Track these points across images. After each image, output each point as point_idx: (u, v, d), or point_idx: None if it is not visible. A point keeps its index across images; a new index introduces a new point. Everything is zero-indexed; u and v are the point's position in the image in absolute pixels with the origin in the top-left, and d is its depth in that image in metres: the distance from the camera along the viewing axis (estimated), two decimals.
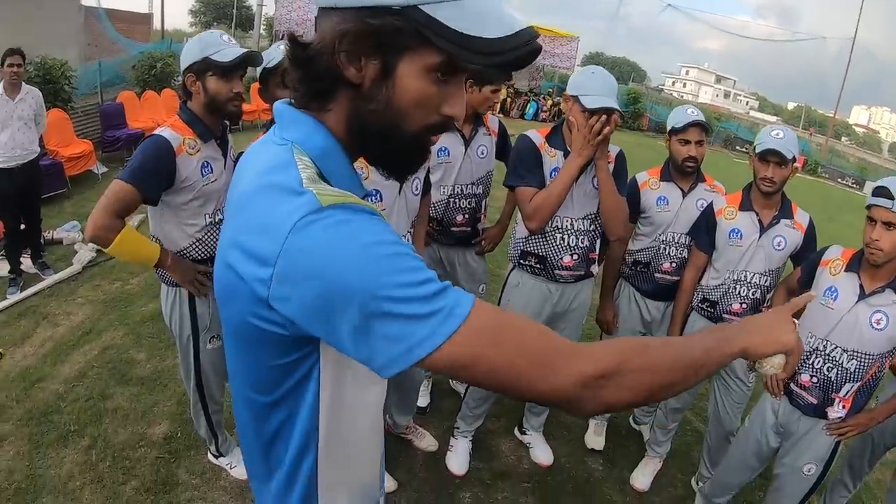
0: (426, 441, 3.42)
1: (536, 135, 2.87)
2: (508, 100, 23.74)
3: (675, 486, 3.62)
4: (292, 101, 0.96)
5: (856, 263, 2.51)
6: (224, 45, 2.33)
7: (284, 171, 0.85)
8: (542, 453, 3.51)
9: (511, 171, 2.92)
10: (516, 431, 3.66)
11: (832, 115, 47.69)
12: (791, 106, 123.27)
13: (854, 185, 27.58)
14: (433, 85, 0.87)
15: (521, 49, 0.83)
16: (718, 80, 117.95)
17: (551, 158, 2.81)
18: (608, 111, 2.59)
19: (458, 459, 3.34)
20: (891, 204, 2.29)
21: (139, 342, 4.20)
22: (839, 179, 29.71)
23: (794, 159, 2.83)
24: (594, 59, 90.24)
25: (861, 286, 2.46)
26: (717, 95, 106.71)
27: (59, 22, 11.62)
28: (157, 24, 24.76)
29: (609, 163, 2.81)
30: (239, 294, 0.84)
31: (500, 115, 22.64)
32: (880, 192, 2.34)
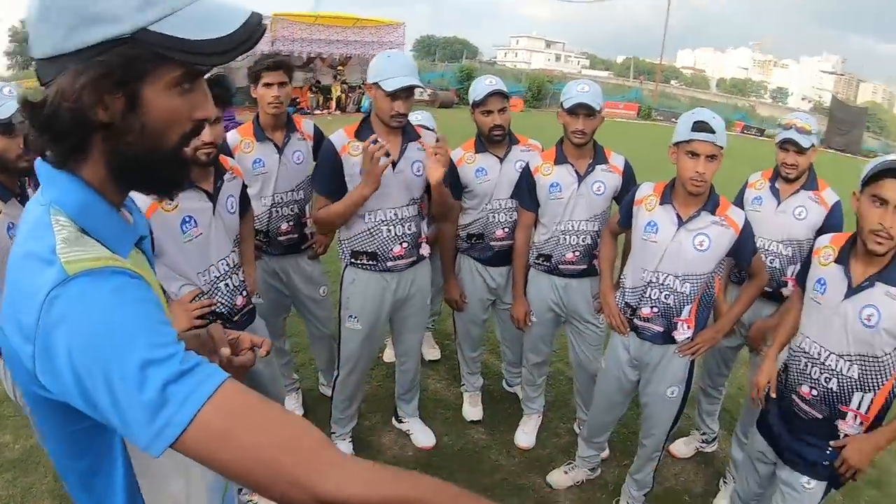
0: None
1: (341, 136, 2.85)
2: (343, 95, 23.62)
3: (560, 434, 3.75)
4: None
5: (668, 195, 2.64)
6: (3, 100, 2.18)
7: (40, 237, 0.83)
8: (422, 436, 3.54)
9: (313, 176, 2.99)
10: (393, 421, 3.67)
11: (659, 62, 50.74)
12: (620, 59, 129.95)
13: None
14: (179, 97, 0.88)
15: (253, 37, 0.87)
16: (548, 44, 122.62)
17: (354, 157, 2.79)
18: (410, 88, 2.66)
19: None
20: (713, 137, 2.42)
21: (1, 424, 3.85)
22: (673, 119, 31.60)
23: (600, 110, 2.95)
24: (425, 41, 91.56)
25: (678, 214, 2.60)
26: (549, 60, 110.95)
27: None
28: None
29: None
30: (17, 364, 0.82)
31: (337, 112, 22.46)
32: (701, 126, 2.43)
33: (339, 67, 24.39)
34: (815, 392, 2.33)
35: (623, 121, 30.16)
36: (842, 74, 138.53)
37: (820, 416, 2.28)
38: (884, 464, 3.80)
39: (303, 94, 23.09)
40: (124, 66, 0.81)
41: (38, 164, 0.90)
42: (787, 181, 3.11)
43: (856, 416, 2.22)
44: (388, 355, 4.26)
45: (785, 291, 3.08)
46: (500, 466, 3.44)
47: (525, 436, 3.65)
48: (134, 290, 0.81)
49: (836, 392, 2.29)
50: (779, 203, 3.12)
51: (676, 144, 2.52)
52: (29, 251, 0.83)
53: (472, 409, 3.84)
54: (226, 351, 1.23)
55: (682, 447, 3.70)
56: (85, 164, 0.89)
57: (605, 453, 3.44)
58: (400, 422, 3.63)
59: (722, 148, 2.48)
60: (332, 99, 23.49)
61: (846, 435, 2.23)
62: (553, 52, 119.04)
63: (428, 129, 3.80)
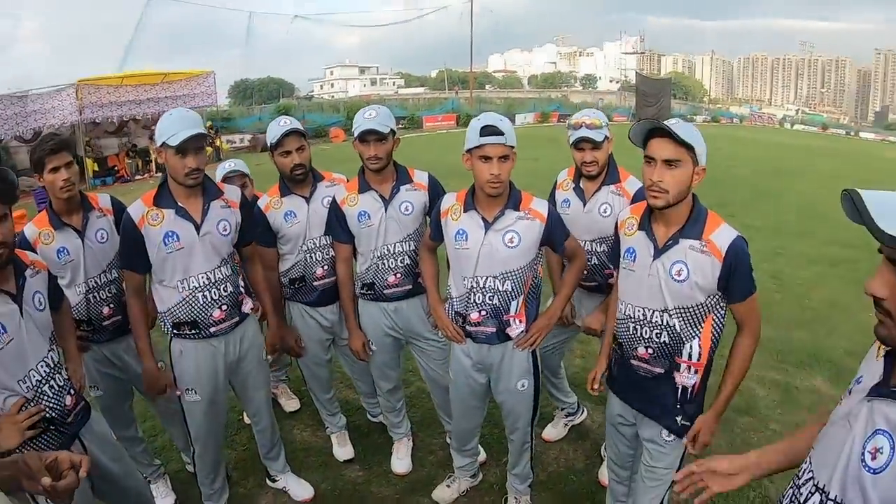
0: None
1: (138, 206, 2.77)
2: (129, 161, 22.27)
3: (434, 451, 3.84)
4: None
5: (471, 201, 2.73)
6: None
7: None
8: (300, 490, 3.51)
9: (119, 254, 2.92)
10: (267, 482, 3.59)
11: (470, 70, 52.56)
12: (434, 73, 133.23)
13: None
14: None
15: None
16: (362, 70, 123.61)
17: (155, 227, 2.73)
18: (198, 140, 2.65)
19: None
20: (503, 139, 2.52)
21: None
22: None
23: (392, 132, 3.02)
24: (240, 85, 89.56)
25: (483, 218, 2.69)
26: (365, 85, 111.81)
27: None
28: None
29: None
30: None
31: (158, 174, 21.30)
32: (489, 130, 2.51)
33: (153, 127, 23.18)
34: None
35: (444, 132, 30.98)
36: (642, 52, 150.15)
37: (661, 371, 2.43)
38: (748, 390, 4.16)
39: (120, 161, 21.86)
40: None
41: None
42: (590, 179, 3.20)
43: (689, 366, 2.39)
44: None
45: (612, 282, 3.12)
46: (384, 498, 3.47)
47: (400, 461, 3.70)
48: None
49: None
50: (585, 203, 3.23)
51: (469, 151, 2.59)
52: None
53: (342, 449, 3.84)
54: (46, 480, 1.20)
55: (552, 430, 3.86)
56: None
57: (482, 457, 3.55)
58: (273, 481, 3.56)
59: (513, 148, 2.58)
60: (150, 161, 22.39)
61: (684, 387, 2.41)
62: (368, 77, 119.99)
63: (245, 174, 3.78)
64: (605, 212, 3.17)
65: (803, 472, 1.46)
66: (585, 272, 3.05)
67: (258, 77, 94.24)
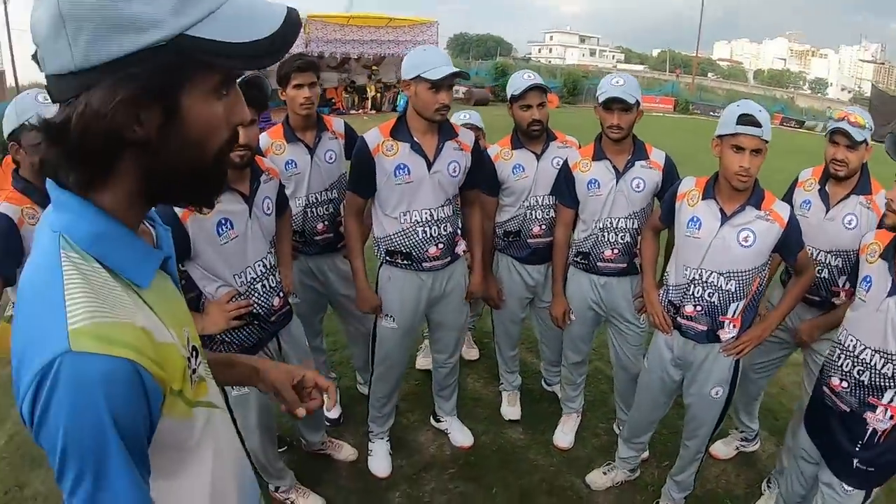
0: (345, 451, 3.37)
1: (375, 134, 2.83)
2: (378, 94, 23.70)
3: (598, 435, 3.70)
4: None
5: (711, 190, 2.56)
6: (39, 107, 2.17)
7: (48, 278, 0.78)
8: (460, 436, 3.52)
9: (348, 174, 2.98)
10: (431, 420, 3.66)
11: (695, 55, 50.03)
12: (656, 52, 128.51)
13: None
14: (218, 103, 0.84)
15: (293, 36, 0.83)
16: (583, 40, 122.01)
17: (389, 158, 2.78)
18: (458, 75, 2.65)
19: (379, 462, 3.30)
20: (760, 132, 2.34)
21: None
22: (711, 113, 31.16)
23: (637, 104, 2.87)
24: (459, 39, 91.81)
25: (721, 210, 2.52)
26: (584, 55, 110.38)
27: None
28: (10, 80, 23.21)
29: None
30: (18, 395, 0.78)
31: (373, 112, 22.52)
32: (747, 119, 2.35)
33: (374, 67, 24.48)
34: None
35: (660, 115, 29.80)
36: (882, 63, 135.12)
37: (848, 410, 2.27)
38: None
39: (338, 95, 23.32)
40: (162, 75, 0.75)
41: (50, 186, 0.84)
42: (838, 181, 2.88)
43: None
44: (421, 363, 4.24)
45: (837, 302, 2.93)
46: (538, 466, 3.41)
47: (564, 435, 3.61)
48: (124, 396, 0.75)
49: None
50: (828, 209, 2.93)
51: (720, 137, 2.44)
52: (37, 292, 0.79)
53: (511, 409, 3.80)
54: (301, 411, 1.30)
55: (723, 448, 3.61)
56: (105, 186, 0.83)
57: (646, 454, 3.38)
58: (438, 421, 3.61)
59: (767, 142, 2.39)
60: (367, 99, 23.66)
61: (874, 430, 2.21)
62: (587, 47, 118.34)
63: (478, 128, 3.74)
64: (849, 223, 2.86)
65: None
66: (812, 285, 2.83)
67: (477, 33, 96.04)
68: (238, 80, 0.90)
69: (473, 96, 26.90)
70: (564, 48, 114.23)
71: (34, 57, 0.78)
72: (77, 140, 0.74)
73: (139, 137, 0.77)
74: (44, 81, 0.79)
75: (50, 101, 0.78)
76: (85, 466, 0.74)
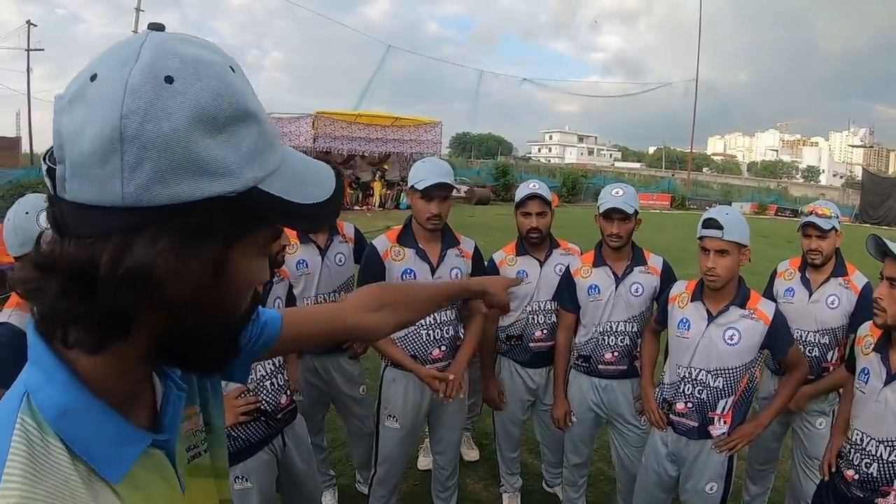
0: None
1: (383, 241, 2.97)
2: (383, 191, 24.15)
3: None
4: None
5: (699, 292, 2.74)
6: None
7: None
8: None
9: (358, 279, 3.09)
10: None
11: (689, 151, 51.36)
12: (652, 150, 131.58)
13: None
14: (262, 261, 0.75)
15: (338, 198, 0.76)
16: (581, 139, 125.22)
17: (397, 263, 2.91)
18: (444, 190, 2.80)
19: None
20: (720, 233, 2.52)
21: None
22: (707, 207, 31.53)
23: (635, 213, 3.04)
24: (461, 138, 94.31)
25: (707, 310, 2.67)
26: (582, 154, 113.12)
27: None
28: (25, 147, 23.56)
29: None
30: None
31: (379, 209, 22.89)
32: (709, 223, 2.56)
33: (381, 165, 25.11)
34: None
35: (657, 211, 30.25)
36: (871, 146, 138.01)
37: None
38: None
39: (343, 191, 23.73)
40: (224, 229, 0.64)
41: (30, 331, 0.68)
42: (816, 268, 3.16)
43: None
44: (423, 463, 4.20)
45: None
46: None
47: None
48: None
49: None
50: (811, 294, 3.17)
51: (698, 240, 2.64)
52: None
53: None
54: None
55: None
56: (111, 349, 0.66)
57: None
58: None
59: (738, 244, 2.57)
60: (371, 195, 24.06)
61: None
62: (585, 146, 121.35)
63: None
64: (832, 303, 3.11)
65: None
66: (804, 380, 2.92)
67: (478, 132, 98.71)
68: None
69: (475, 195, 27.38)
70: (563, 147, 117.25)
71: (49, 173, 0.63)
72: (106, 295, 0.60)
73: (179, 298, 0.62)
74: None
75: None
76: None
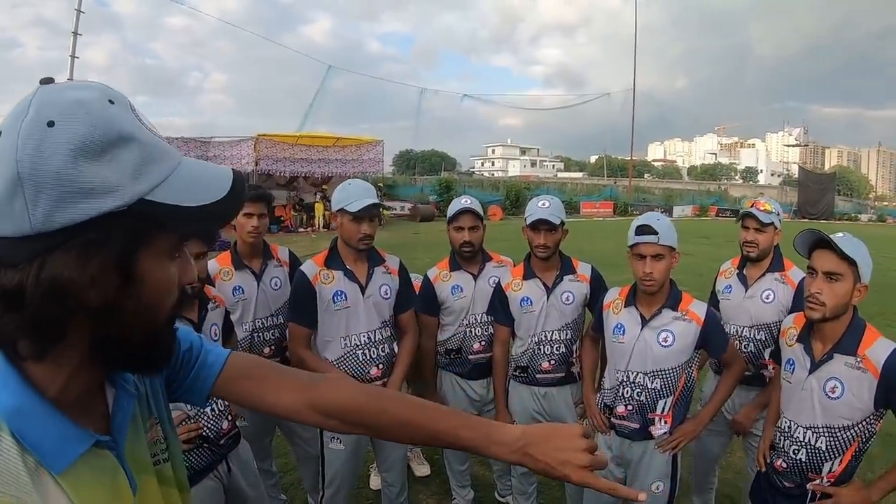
0: None
1: (311, 266, 3.00)
2: (326, 212, 23.96)
3: None
4: None
5: (632, 297, 2.82)
6: None
7: None
8: None
9: (289, 307, 3.11)
10: None
11: (630, 158, 52.38)
12: (593, 159, 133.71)
13: (664, 213, 29.96)
14: (172, 264, 0.83)
15: (242, 197, 0.86)
16: (523, 151, 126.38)
17: (327, 286, 2.94)
18: (374, 206, 2.87)
19: None
20: (656, 238, 2.60)
21: None
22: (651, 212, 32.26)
23: (562, 223, 3.12)
24: (404, 156, 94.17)
25: (641, 315, 2.76)
26: (525, 166, 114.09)
27: None
28: None
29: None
30: None
31: (323, 230, 22.68)
32: (643, 230, 2.62)
33: (323, 186, 24.93)
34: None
35: (600, 219, 30.77)
36: (805, 145, 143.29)
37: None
38: None
39: (287, 213, 23.53)
40: (122, 240, 0.74)
41: None
42: (753, 263, 3.22)
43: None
44: (375, 482, 4.20)
45: (765, 373, 3.16)
46: None
47: None
48: None
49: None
50: (747, 289, 3.23)
51: (629, 248, 2.70)
52: None
53: None
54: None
55: None
56: (52, 355, 0.77)
57: None
58: None
59: (671, 248, 2.65)
60: (314, 217, 23.90)
61: (812, 492, 2.35)
62: (528, 158, 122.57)
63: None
64: (767, 298, 3.17)
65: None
66: (741, 376, 3.01)
67: (422, 149, 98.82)
68: None
69: (419, 212, 27.47)
70: (506, 161, 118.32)
71: None
72: (33, 308, 0.71)
73: (96, 303, 0.73)
74: None
75: None
76: None
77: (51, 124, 0.70)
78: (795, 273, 3.14)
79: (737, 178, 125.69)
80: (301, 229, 23.11)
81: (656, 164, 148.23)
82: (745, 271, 3.29)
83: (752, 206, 3.20)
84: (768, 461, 2.55)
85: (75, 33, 27.56)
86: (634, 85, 46.93)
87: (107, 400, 0.91)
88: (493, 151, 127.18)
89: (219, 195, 0.81)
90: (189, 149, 20.49)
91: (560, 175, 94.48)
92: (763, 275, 3.21)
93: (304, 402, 1.13)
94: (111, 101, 0.75)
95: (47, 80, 0.77)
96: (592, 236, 20.66)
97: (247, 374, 1.15)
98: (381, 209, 2.91)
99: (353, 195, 2.87)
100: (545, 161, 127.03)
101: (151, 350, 0.86)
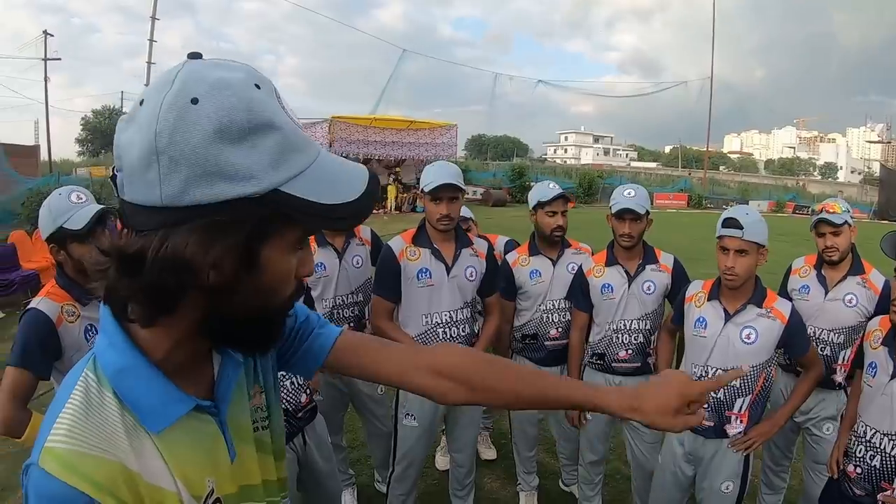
0: None
1: (399, 241, 3.05)
2: (398, 195, 24.25)
3: None
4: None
5: (716, 291, 2.74)
6: (74, 209, 2.24)
7: (63, 392, 0.81)
8: None
9: (374, 280, 3.16)
10: None
11: (706, 149, 50.91)
12: (668, 149, 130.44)
13: None
14: (294, 257, 0.84)
15: (368, 199, 0.83)
16: (596, 139, 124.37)
17: (412, 262, 2.99)
18: (453, 192, 2.89)
19: None
20: (740, 233, 2.53)
21: None
22: (724, 206, 31.31)
23: (647, 213, 3.07)
24: (476, 140, 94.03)
25: (724, 309, 2.68)
26: (598, 154, 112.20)
27: None
28: (44, 156, 24.12)
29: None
30: None
31: (396, 212, 22.95)
32: (729, 223, 2.57)
33: (396, 168, 25.20)
34: (859, 471, 2.46)
35: (674, 211, 30.03)
36: (889, 142, 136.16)
37: (863, 494, 2.38)
38: None
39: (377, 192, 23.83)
40: (250, 227, 0.74)
41: (103, 311, 0.84)
42: (832, 266, 3.14)
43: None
44: (441, 462, 4.26)
45: (837, 378, 3.10)
46: None
47: None
48: None
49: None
50: (827, 291, 3.15)
51: (717, 239, 2.64)
52: (56, 400, 0.81)
53: None
54: None
55: None
56: (161, 323, 0.79)
57: None
58: None
59: (757, 244, 2.57)
60: (387, 199, 24.17)
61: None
62: (601, 147, 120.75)
63: (469, 218, 3.92)
64: (850, 301, 3.08)
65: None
66: (820, 380, 2.91)
67: (494, 134, 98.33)
68: None
69: (492, 197, 27.39)
70: (579, 148, 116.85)
71: (112, 179, 0.78)
72: (151, 277, 0.72)
73: (213, 282, 0.74)
74: (73, 159, 0.80)
75: (83, 200, 0.78)
76: None
77: (195, 101, 0.71)
78: (876, 277, 3.09)
79: (815, 173, 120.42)
80: (374, 211, 23.29)
81: (732, 156, 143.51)
82: (823, 272, 3.20)
83: (821, 210, 3.13)
84: (841, 468, 2.48)
85: (153, 17, 28.60)
86: (712, 73, 45.47)
87: (213, 367, 0.94)
88: (566, 138, 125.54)
89: (353, 195, 0.80)
90: None
91: (633, 164, 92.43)
92: (844, 278, 3.12)
93: (416, 364, 1.15)
94: (257, 86, 0.76)
95: (195, 56, 0.78)
96: (666, 229, 20.19)
97: (357, 346, 1.17)
98: (460, 190, 2.92)
99: (431, 176, 2.91)
100: (618, 150, 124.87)
101: (259, 334, 0.87)
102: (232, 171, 0.71)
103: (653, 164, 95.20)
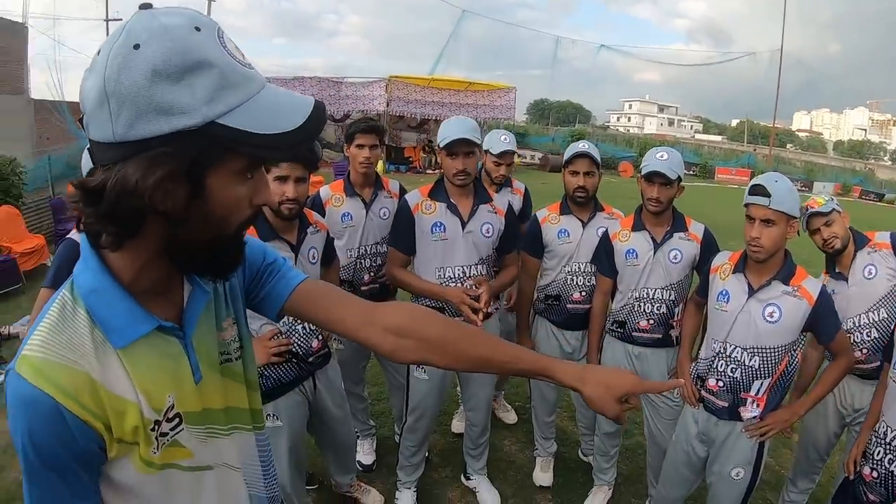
0: (372, 497, 3.42)
1: (415, 195, 3.05)
2: (424, 155, 24.14)
3: None
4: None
5: (741, 264, 2.58)
6: None
7: (46, 307, 0.94)
8: (488, 496, 3.50)
9: (390, 232, 3.16)
10: (462, 478, 3.66)
11: (772, 125, 49.08)
12: (734, 122, 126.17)
13: (803, 189, 27.91)
14: (242, 185, 0.92)
15: (318, 128, 0.91)
16: (661, 109, 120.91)
17: (426, 216, 2.97)
18: (462, 142, 2.84)
19: None
20: (767, 201, 2.37)
21: None
22: None
23: (679, 179, 2.93)
24: (538, 105, 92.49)
25: (749, 284, 2.52)
26: (662, 124, 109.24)
27: (8, 119, 12.27)
28: None
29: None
30: None
31: (430, 171, 22.94)
32: (756, 190, 2.41)
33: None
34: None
35: (735, 187, 29.14)
36: None
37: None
38: None
39: (416, 154, 23.87)
40: (192, 157, 0.83)
41: (82, 238, 0.95)
42: (837, 254, 2.97)
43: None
44: (457, 427, 4.25)
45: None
46: None
47: None
48: (39, 428, 0.87)
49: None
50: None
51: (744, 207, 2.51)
52: (42, 313, 0.93)
53: (543, 475, 3.77)
54: None
55: None
56: (128, 248, 0.91)
57: None
58: (468, 479, 3.62)
59: (786, 214, 2.39)
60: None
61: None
62: (666, 117, 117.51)
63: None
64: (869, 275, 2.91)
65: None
66: (850, 368, 2.71)
67: (557, 99, 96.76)
68: None
69: (549, 162, 27.01)
70: (643, 117, 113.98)
71: (80, 121, 0.87)
72: (109, 204, 0.82)
73: (166, 209, 0.84)
74: None
75: None
76: (21, 462, 0.90)
77: (136, 47, 0.80)
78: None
79: (885, 158, 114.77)
80: (429, 171, 23.31)
81: (801, 134, 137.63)
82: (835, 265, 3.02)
83: (806, 209, 2.94)
84: (857, 469, 2.32)
85: None
86: (782, 46, 43.29)
87: (183, 295, 1.06)
88: (630, 107, 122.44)
89: (292, 125, 0.87)
90: (322, 88, 20.97)
91: (698, 136, 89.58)
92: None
93: (371, 320, 1.19)
94: (197, 28, 0.84)
95: (146, 6, 0.86)
96: (722, 203, 19.65)
97: (317, 296, 1.23)
98: (476, 146, 2.88)
99: (447, 131, 2.88)
100: (683, 121, 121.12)
101: (216, 257, 0.97)
102: (168, 108, 0.80)
103: (718, 138, 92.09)
